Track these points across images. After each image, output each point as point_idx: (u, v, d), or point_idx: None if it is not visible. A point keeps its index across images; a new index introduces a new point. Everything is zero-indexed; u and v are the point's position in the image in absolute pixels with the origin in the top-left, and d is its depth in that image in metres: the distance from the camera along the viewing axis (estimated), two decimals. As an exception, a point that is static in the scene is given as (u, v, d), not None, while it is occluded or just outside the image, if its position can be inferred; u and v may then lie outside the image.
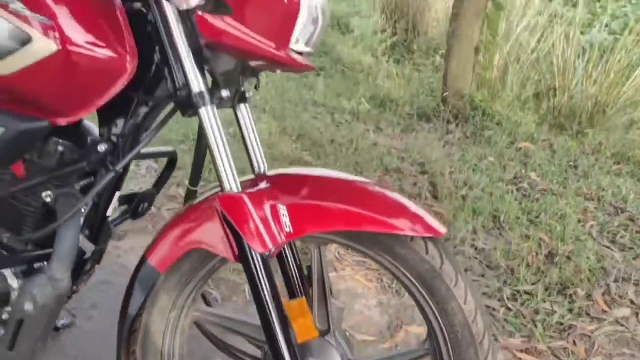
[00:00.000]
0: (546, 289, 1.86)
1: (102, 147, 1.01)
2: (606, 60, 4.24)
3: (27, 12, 0.88)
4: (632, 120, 3.95)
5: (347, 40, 7.21)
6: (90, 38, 0.90)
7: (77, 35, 0.89)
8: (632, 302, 1.83)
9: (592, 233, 2.22)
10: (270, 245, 0.87)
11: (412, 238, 0.90)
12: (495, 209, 2.32)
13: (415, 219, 0.90)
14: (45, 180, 1.01)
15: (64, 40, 0.88)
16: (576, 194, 2.52)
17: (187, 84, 0.90)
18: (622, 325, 1.72)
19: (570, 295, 1.83)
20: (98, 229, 1.09)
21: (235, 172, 0.91)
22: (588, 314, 1.76)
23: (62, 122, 0.96)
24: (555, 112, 4.20)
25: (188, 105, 0.92)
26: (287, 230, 0.89)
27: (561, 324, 1.71)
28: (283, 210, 0.90)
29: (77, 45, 0.89)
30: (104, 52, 0.90)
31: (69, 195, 1.01)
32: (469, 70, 3.31)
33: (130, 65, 0.91)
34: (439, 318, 0.92)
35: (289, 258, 1.06)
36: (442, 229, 0.89)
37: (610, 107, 3.93)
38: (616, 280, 1.92)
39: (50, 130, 0.97)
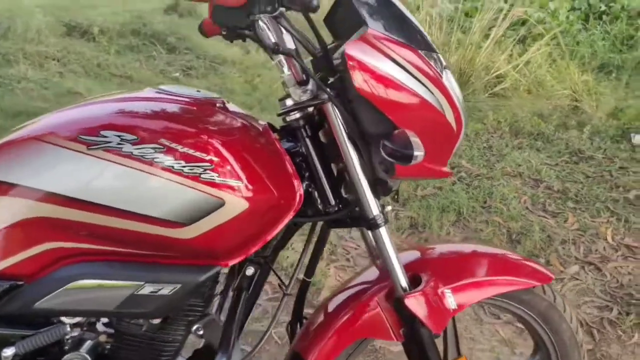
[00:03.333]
0: (519, 265, 2.43)
1: (250, 270, 1.17)
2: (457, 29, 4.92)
3: (219, 179, 1.01)
4: (488, 82, 4.72)
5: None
6: (269, 186, 1.06)
7: (260, 187, 1.05)
8: (576, 258, 2.48)
9: (528, 207, 2.86)
10: (444, 325, 1.16)
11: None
12: (451, 201, 2.85)
13: (534, 272, 1.28)
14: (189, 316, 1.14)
15: (252, 195, 1.03)
16: (502, 174, 3.17)
17: (362, 207, 1.12)
18: (577, 279, 2.35)
19: (537, 265, 2.43)
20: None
21: (405, 274, 1.16)
22: (554, 277, 2.37)
23: (234, 262, 1.08)
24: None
25: (349, 221, 1.17)
26: (453, 308, 1.17)
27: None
28: (449, 294, 1.17)
29: (262, 196, 1.05)
30: (280, 194, 1.06)
31: (213, 322, 1.17)
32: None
33: (299, 199, 1.06)
34: (552, 337, 1.32)
35: None
36: (551, 275, 1.30)
37: (472, 75, 4.68)
38: (561, 243, 2.56)
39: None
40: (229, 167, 1.01)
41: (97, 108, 1.10)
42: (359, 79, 1.00)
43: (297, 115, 1.11)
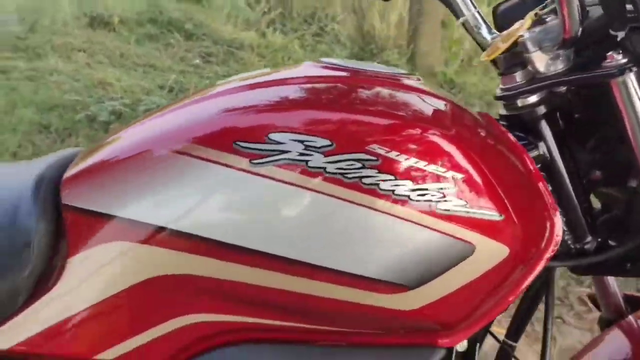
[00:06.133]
0: None
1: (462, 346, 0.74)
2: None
3: (466, 210, 0.61)
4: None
5: (216, 16, 6.77)
6: (521, 216, 0.67)
7: (513, 219, 0.66)
8: None
9: None
10: None
11: None
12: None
13: None
14: None
15: (510, 233, 0.65)
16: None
17: None
18: None
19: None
20: None
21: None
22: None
23: (462, 340, 0.69)
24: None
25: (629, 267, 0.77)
26: None
27: None
28: None
29: (518, 233, 0.66)
30: (531, 229, 0.67)
31: None
32: (437, 46, 3.29)
33: (559, 235, 0.68)
34: None
35: None
36: None
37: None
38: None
39: None
40: (476, 189, 0.63)
41: (245, 98, 0.68)
42: None
43: (535, 98, 0.72)
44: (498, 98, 0.76)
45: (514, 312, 0.89)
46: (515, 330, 0.89)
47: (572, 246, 0.77)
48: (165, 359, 0.65)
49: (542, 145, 0.74)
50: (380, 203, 0.60)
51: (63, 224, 0.65)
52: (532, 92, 0.73)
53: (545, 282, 0.83)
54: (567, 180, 0.75)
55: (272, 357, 0.65)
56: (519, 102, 0.74)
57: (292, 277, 0.62)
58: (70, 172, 0.69)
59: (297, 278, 0.62)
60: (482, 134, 0.71)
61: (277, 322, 0.64)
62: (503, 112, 0.78)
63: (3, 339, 0.63)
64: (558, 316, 1.86)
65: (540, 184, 0.69)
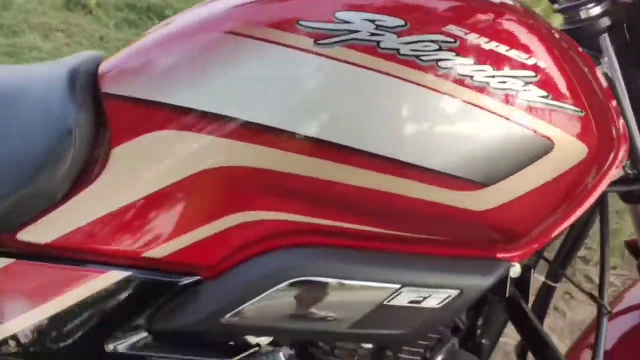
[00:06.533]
0: None
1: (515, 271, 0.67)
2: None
3: (549, 102, 0.57)
4: None
5: (196, 4, 6.69)
6: (597, 120, 0.63)
7: (590, 120, 0.61)
8: None
9: None
10: None
11: None
12: None
13: None
14: None
15: (588, 134, 0.61)
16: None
17: None
18: None
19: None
20: None
21: None
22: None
23: (530, 253, 0.66)
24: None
25: None
26: None
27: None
28: None
29: (594, 136, 0.62)
30: (602, 137, 0.63)
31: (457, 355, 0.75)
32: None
33: (626, 148, 0.65)
34: None
35: None
36: None
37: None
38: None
39: None
40: (558, 81, 0.59)
41: None
42: None
43: (599, 10, 0.67)
44: (559, 10, 0.72)
45: (563, 239, 0.85)
46: (564, 259, 0.85)
47: (630, 171, 0.73)
48: (220, 258, 0.60)
49: (604, 61, 0.70)
50: (458, 89, 0.56)
51: (104, 113, 0.59)
52: (596, 1, 0.68)
53: (599, 206, 0.77)
54: (628, 101, 0.70)
55: (333, 262, 0.60)
56: (582, 14, 0.69)
57: (356, 169, 0.57)
58: (108, 61, 0.64)
59: (362, 170, 0.57)
60: (556, 35, 0.65)
61: (337, 223, 0.60)
62: (562, 27, 0.75)
63: (43, 232, 0.57)
64: (567, 292, 1.87)
65: (612, 101, 0.65)
